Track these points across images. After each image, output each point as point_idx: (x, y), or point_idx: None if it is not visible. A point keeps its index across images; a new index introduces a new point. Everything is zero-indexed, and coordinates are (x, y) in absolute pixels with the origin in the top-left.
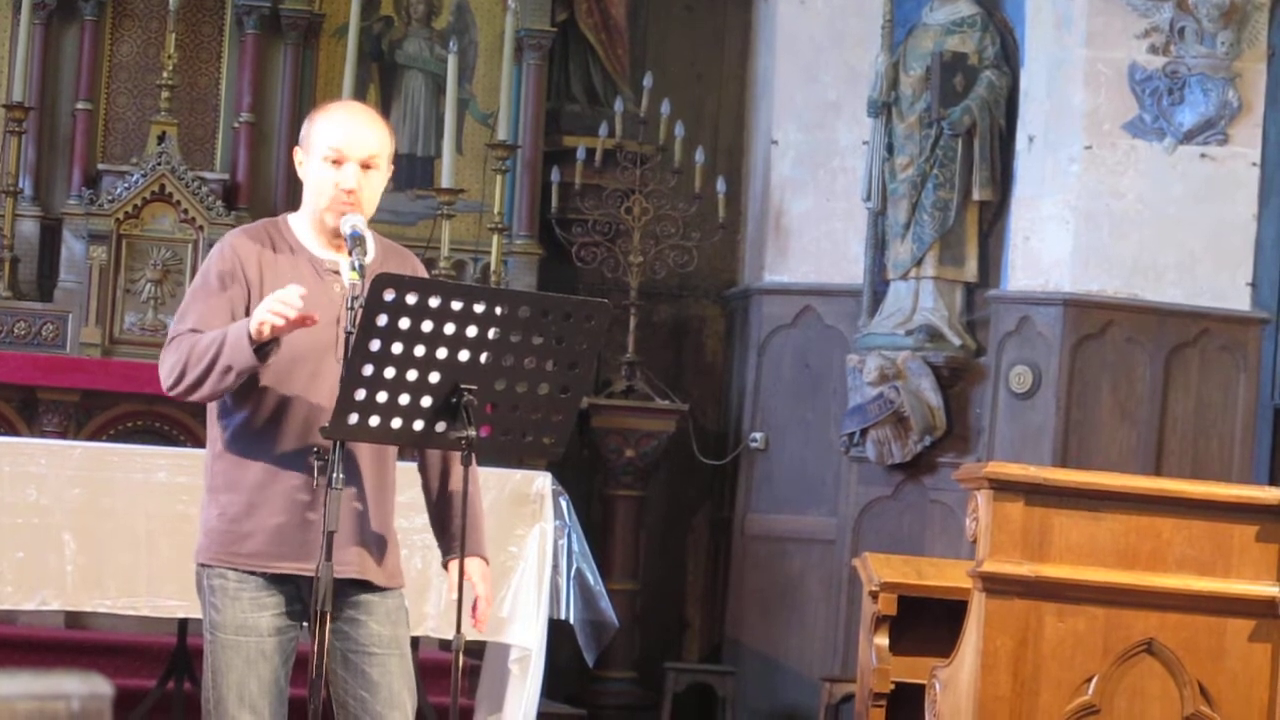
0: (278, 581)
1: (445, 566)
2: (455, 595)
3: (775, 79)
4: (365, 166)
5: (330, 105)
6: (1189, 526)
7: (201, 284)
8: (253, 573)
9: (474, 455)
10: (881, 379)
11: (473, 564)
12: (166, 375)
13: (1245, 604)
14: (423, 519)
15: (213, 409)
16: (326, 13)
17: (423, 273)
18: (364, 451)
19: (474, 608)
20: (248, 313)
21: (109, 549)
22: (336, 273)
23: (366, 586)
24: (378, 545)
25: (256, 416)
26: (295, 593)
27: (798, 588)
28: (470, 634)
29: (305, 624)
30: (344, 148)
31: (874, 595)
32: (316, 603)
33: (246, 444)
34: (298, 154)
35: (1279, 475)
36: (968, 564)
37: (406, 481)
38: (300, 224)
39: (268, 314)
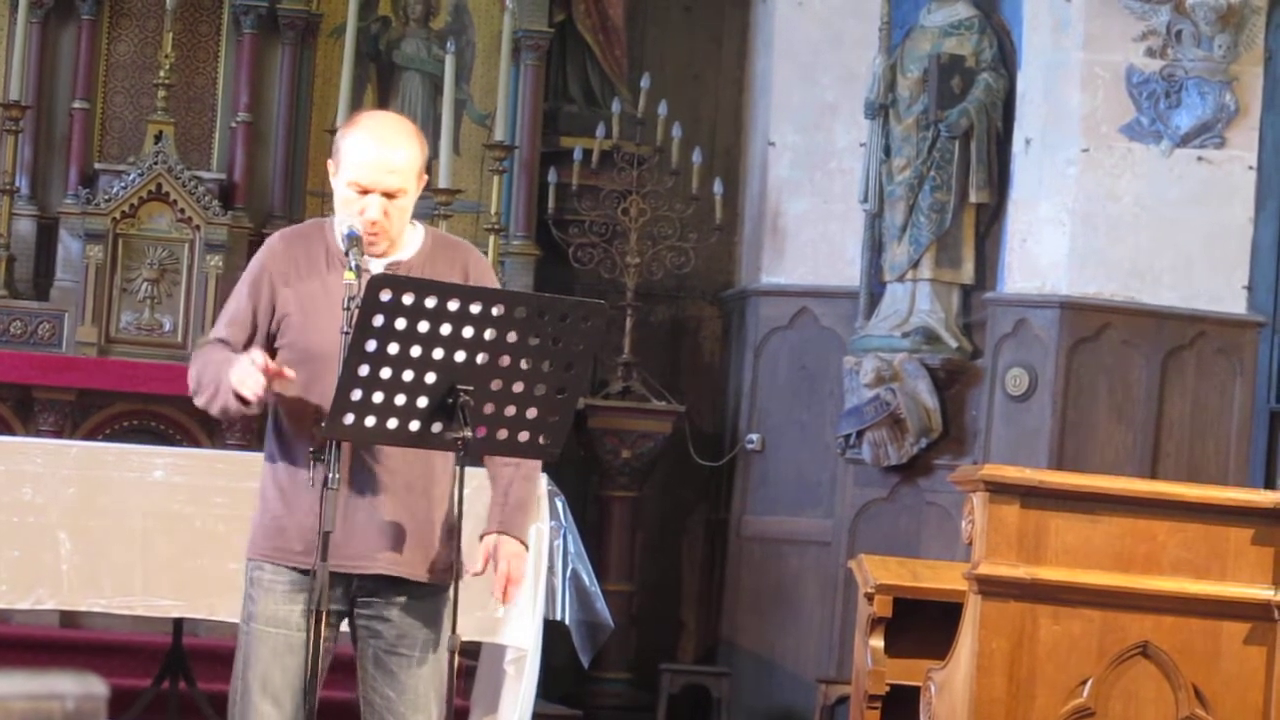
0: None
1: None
2: (476, 571)
3: (773, 80)
4: (390, 196)
5: (363, 120)
6: (1184, 529)
7: (238, 286)
8: (291, 567)
9: (469, 456)
10: (878, 381)
11: (508, 544)
12: (190, 383)
13: (1240, 607)
14: None
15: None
16: (324, 12)
17: (478, 263)
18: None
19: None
20: (273, 315)
21: (104, 548)
22: (369, 271)
23: (405, 585)
24: (418, 541)
25: (285, 417)
26: (334, 591)
27: (793, 589)
28: (466, 634)
29: (344, 621)
30: (369, 183)
31: (869, 597)
32: (313, 600)
33: (278, 444)
34: (330, 164)
35: (1274, 478)
36: (963, 566)
37: None
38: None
39: (239, 386)
